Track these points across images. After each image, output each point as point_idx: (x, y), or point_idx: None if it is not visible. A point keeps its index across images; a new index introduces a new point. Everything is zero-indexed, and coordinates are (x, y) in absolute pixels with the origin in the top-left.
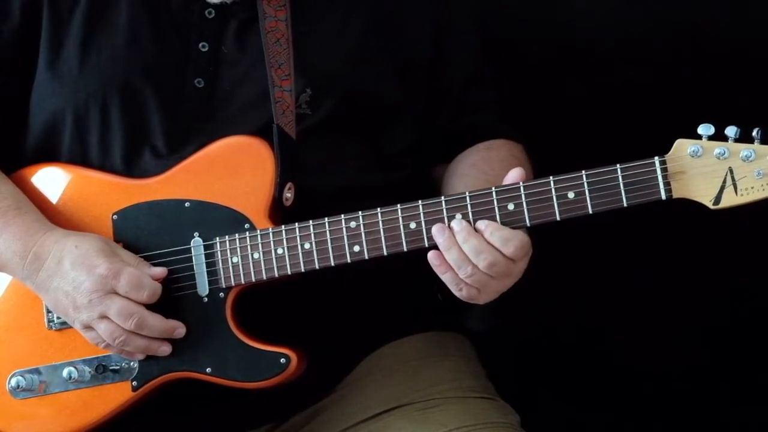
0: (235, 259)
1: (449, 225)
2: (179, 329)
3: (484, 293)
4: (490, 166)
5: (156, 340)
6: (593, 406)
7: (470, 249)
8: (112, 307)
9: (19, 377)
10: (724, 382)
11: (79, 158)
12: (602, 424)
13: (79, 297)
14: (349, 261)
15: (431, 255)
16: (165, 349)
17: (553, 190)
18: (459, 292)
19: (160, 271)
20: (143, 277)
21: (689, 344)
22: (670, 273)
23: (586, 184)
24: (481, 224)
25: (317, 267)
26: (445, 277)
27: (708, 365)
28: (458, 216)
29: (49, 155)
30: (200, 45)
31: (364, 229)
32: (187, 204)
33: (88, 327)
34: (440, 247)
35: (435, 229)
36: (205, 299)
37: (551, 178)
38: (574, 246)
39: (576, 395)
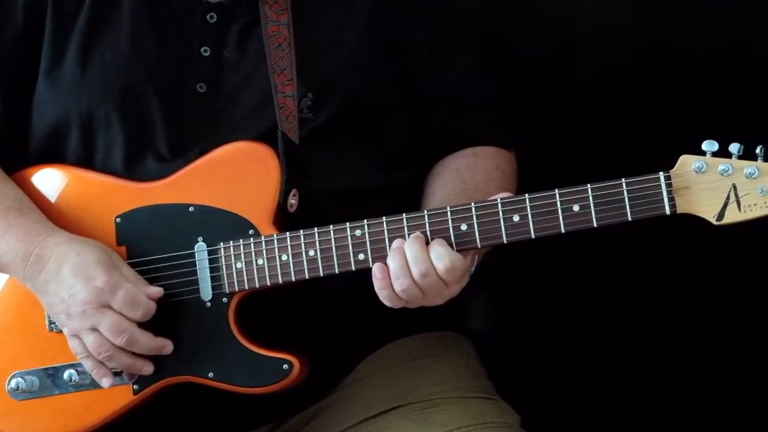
0: (239, 265)
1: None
2: (167, 347)
3: (411, 305)
4: (472, 175)
5: (140, 358)
6: (593, 406)
7: (411, 254)
8: (104, 321)
9: (19, 379)
10: (724, 383)
11: (83, 162)
12: (602, 425)
13: (74, 305)
14: (353, 269)
15: (376, 268)
16: (148, 369)
17: (558, 203)
18: (391, 305)
19: (157, 290)
20: (139, 296)
21: (690, 346)
22: (671, 276)
23: (591, 198)
24: (434, 239)
25: (321, 274)
26: (382, 293)
27: (709, 367)
28: (418, 232)
29: (53, 158)
30: (202, 50)
31: (369, 237)
32: (191, 209)
33: (76, 336)
34: (390, 256)
35: (395, 242)
36: (208, 304)
37: (557, 191)
38: (574, 248)
39: (576, 395)
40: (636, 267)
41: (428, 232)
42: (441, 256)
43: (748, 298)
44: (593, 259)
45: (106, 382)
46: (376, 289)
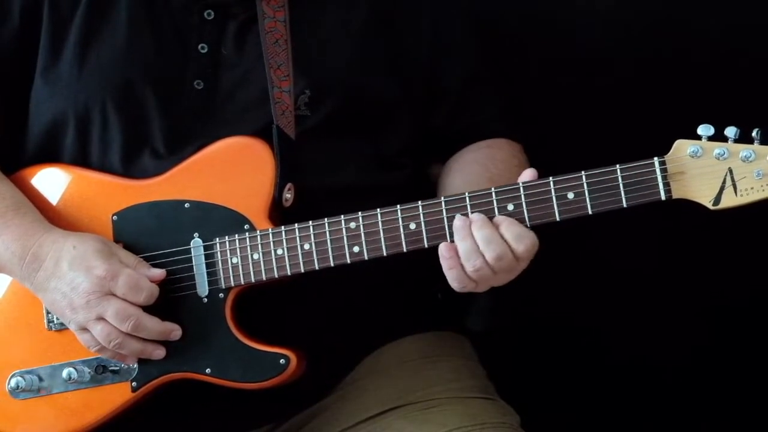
0: (234, 260)
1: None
2: (175, 332)
3: (481, 286)
4: (494, 164)
5: (151, 343)
6: (593, 406)
7: (482, 237)
8: (110, 308)
9: (19, 378)
10: (725, 383)
11: (79, 160)
12: (602, 424)
13: (77, 298)
14: (348, 262)
15: (444, 247)
16: (159, 353)
17: (552, 191)
18: (460, 287)
19: (159, 273)
20: (141, 279)
21: (690, 346)
22: (671, 275)
23: (585, 185)
24: (499, 218)
25: (317, 268)
26: (451, 273)
27: (709, 367)
28: (480, 213)
29: (50, 156)
30: (200, 46)
31: (364, 229)
32: (186, 205)
33: (84, 329)
34: (456, 236)
35: (456, 220)
36: (205, 300)
37: (551, 178)
38: (573, 246)
39: (576, 395)
40: (635, 267)
41: (423, 224)
42: (521, 237)
43: (749, 297)
44: (593, 259)
45: (131, 360)
46: (444, 270)
